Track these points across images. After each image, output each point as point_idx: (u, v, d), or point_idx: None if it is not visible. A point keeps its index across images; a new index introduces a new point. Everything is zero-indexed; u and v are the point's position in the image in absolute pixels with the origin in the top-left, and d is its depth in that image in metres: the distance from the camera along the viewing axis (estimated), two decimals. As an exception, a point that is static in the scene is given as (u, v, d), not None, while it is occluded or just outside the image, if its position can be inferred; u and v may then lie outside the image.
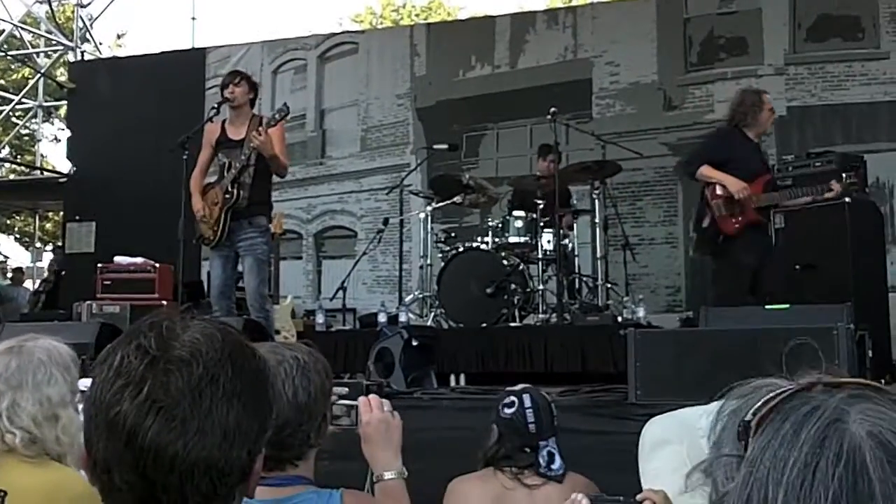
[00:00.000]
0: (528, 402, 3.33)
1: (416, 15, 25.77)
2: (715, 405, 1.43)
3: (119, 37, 25.12)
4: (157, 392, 1.26)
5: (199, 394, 1.27)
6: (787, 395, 0.96)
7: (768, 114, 7.23)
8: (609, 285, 8.87)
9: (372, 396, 2.54)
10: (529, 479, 3.28)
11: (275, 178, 7.52)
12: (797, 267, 7.61)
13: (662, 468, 1.47)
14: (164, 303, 8.98)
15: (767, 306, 5.67)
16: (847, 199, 7.53)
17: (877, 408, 0.90)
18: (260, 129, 7.07)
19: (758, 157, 7.24)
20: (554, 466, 3.29)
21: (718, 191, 7.01)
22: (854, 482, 0.85)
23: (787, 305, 5.63)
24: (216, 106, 7.54)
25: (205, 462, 1.26)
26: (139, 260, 9.41)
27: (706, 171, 7.03)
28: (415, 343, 6.26)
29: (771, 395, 0.98)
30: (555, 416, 3.38)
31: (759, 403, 0.98)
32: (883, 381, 6.22)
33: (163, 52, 14.30)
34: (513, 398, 3.36)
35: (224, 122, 7.50)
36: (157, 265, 9.27)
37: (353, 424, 2.48)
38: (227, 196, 7.17)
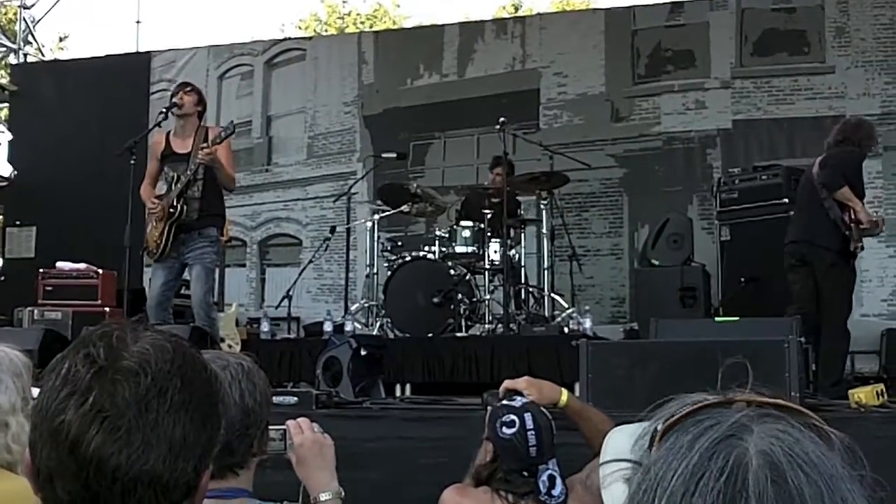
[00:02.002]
0: (529, 423, 3.08)
1: (362, 23, 25.70)
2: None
3: (62, 39, 24.73)
4: (102, 402, 1.24)
5: (146, 405, 1.25)
6: (699, 407, 0.96)
7: (875, 143, 7.42)
8: (555, 296, 8.88)
9: (301, 419, 2.52)
10: None
11: None
12: (742, 280, 7.69)
13: (621, 476, 1.45)
14: (107, 310, 8.88)
15: (717, 318, 5.71)
16: (792, 213, 7.63)
17: (783, 429, 0.89)
18: (205, 144, 7.02)
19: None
20: (555, 493, 3.07)
21: (853, 215, 6.96)
22: (732, 497, 0.85)
23: (737, 318, 5.68)
24: (164, 110, 7.44)
25: (148, 475, 1.24)
26: (82, 266, 9.27)
27: (846, 193, 6.92)
28: (363, 352, 6.21)
29: (689, 407, 0.97)
30: (554, 435, 3.14)
31: (676, 414, 0.97)
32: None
33: (107, 56, 14.07)
34: (512, 417, 3.10)
35: (168, 133, 7.43)
36: (101, 271, 9.15)
37: (283, 449, 2.44)
38: (172, 210, 7.12)
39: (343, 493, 2.45)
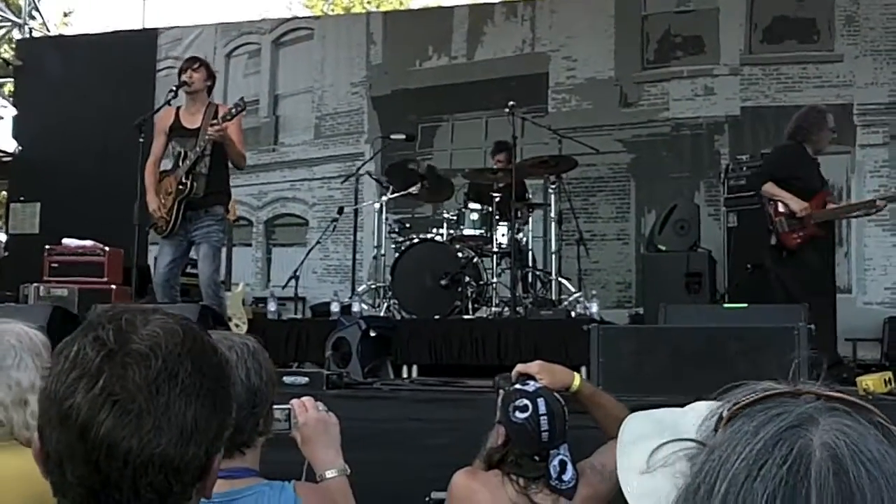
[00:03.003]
0: (542, 408, 3.05)
1: (368, 2, 25.62)
2: (696, 404, 1.44)
3: (66, 14, 24.63)
4: (112, 385, 1.23)
5: (157, 389, 1.24)
6: (770, 395, 0.96)
7: (828, 133, 7.33)
8: (562, 280, 8.90)
9: (306, 398, 2.53)
10: (538, 497, 3.04)
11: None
12: (748, 266, 7.71)
13: (639, 461, 1.46)
14: (114, 287, 8.88)
15: (725, 305, 5.73)
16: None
17: (850, 424, 0.90)
18: (215, 121, 7.00)
19: (817, 173, 7.29)
20: (565, 478, 3.06)
21: (780, 208, 7.02)
22: (794, 485, 0.85)
23: (745, 305, 5.69)
24: (174, 88, 7.42)
25: (159, 459, 1.24)
26: (88, 243, 9.26)
27: (769, 188, 7.07)
28: (372, 334, 6.23)
29: (756, 394, 0.97)
30: (567, 420, 3.11)
31: (743, 400, 0.97)
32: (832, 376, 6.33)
33: (113, 32, 14.03)
34: (525, 402, 3.06)
35: (178, 108, 7.41)
36: (107, 248, 9.12)
37: (288, 429, 2.46)
38: (181, 187, 7.10)
39: (349, 471, 2.46)
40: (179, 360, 1.27)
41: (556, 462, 3.06)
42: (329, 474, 2.43)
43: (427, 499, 3.49)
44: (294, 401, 2.48)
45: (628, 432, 1.59)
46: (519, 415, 3.05)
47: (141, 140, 7.32)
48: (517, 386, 3.20)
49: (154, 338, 1.27)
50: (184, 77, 7.32)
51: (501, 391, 3.27)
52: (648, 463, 1.13)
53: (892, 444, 0.90)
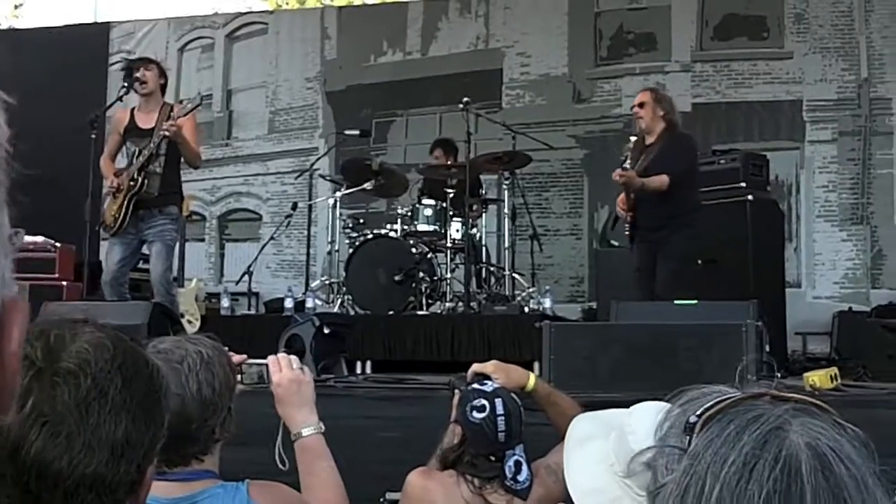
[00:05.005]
0: (500, 409, 3.04)
1: (323, -4, 25.50)
2: (640, 405, 1.48)
3: (16, 7, 24.29)
4: (42, 406, 1.21)
5: (87, 408, 1.23)
6: (735, 400, 1.01)
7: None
8: (515, 275, 8.95)
9: (281, 355, 2.54)
10: (493, 497, 3.04)
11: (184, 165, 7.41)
12: (699, 261, 7.80)
13: (587, 461, 1.51)
14: (65, 283, 8.80)
15: (677, 301, 5.79)
16: (750, 197, 7.75)
17: (818, 423, 0.95)
18: (171, 117, 6.97)
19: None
20: (520, 478, 3.06)
21: None
22: (788, 485, 0.90)
23: (696, 301, 5.76)
24: (126, 86, 7.37)
25: (91, 478, 1.22)
26: (39, 239, 9.14)
27: None
28: (326, 330, 6.23)
29: (719, 399, 1.02)
30: (523, 421, 3.11)
31: (707, 405, 1.02)
32: (779, 374, 6.41)
33: (65, 26, 13.88)
34: (483, 401, 3.06)
35: (133, 109, 7.37)
36: (58, 245, 9.03)
37: (266, 384, 2.47)
38: (132, 184, 7.04)
39: (324, 428, 2.47)
40: (110, 376, 1.26)
41: (511, 462, 3.07)
42: (305, 432, 2.44)
43: (382, 500, 3.50)
44: (270, 357, 2.49)
45: (575, 433, 1.63)
46: (476, 414, 3.05)
47: (93, 136, 7.27)
48: (475, 385, 3.22)
49: (83, 354, 1.26)
50: (137, 74, 7.26)
51: (457, 391, 3.30)
52: (629, 468, 1.16)
53: (853, 439, 0.96)
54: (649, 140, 7.08)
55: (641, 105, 7.14)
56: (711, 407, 1.01)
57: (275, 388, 2.46)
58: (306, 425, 2.46)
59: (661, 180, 6.74)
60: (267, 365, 2.48)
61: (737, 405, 1.00)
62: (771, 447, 0.92)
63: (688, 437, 1.01)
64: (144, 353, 1.37)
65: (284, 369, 2.47)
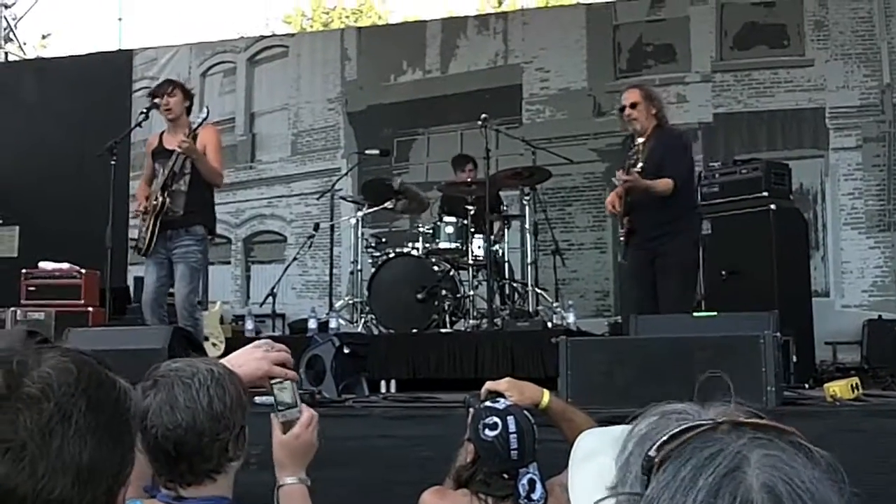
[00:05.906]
0: (512, 427, 3.06)
1: (347, 17, 25.65)
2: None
3: (44, 37, 24.58)
4: (5, 432, 1.21)
5: (49, 433, 1.22)
6: (694, 432, 0.99)
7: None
8: (539, 291, 8.92)
9: (316, 417, 2.53)
10: None
11: None
12: (723, 273, 7.73)
13: (588, 477, 1.49)
14: (90, 309, 8.85)
15: (696, 314, 5.73)
16: (773, 206, 7.67)
17: (776, 455, 0.93)
18: (184, 133, 7.03)
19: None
20: (534, 497, 3.07)
21: None
22: None
23: (715, 313, 5.70)
24: (145, 111, 7.43)
25: (57, 503, 1.22)
26: (65, 266, 9.22)
27: None
28: (346, 350, 6.21)
29: (677, 430, 1.00)
30: (536, 439, 3.13)
31: (664, 438, 1.00)
32: (807, 385, 6.35)
33: (89, 54, 14.04)
34: (496, 419, 3.09)
35: (162, 133, 7.45)
36: (83, 271, 9.09)
37: (297, 415, 2.47)
38: (156, 203, 7.08)
39: (309, 482, 2.47)
40: (73, 400, 1.25)
41: (525, 481, 3.07)
42: (289, 480, 2.44)
43: None
44: (308, 412, 2.48)
45: (580, 449, 1.61)
46: (488, 432, 3.07)
47: (112, 163, 7.32)
48: (487, 403, 3.20)
49: (46, 379, 1.25)
50: (158, 100, 7.31)
51: (471, 409, 3.28)
52: None
53: (815, 465, 0.94)
54: (640, 139, 6.85)
55: (634, 105, 6.85)
56: (669, 441, 0.99)
57: (291, 438, 2.44)
58: (292, 475, 2.46)
59: (667, 183, 6.54)
60: (301, 409, 2.49)
61: (694, 440, 0.98)
62: (725, 493, 0.90)
63: (646, 478, 0.99)
64: (111, 375, 1.35)
65: (311, 429, 2.46)
